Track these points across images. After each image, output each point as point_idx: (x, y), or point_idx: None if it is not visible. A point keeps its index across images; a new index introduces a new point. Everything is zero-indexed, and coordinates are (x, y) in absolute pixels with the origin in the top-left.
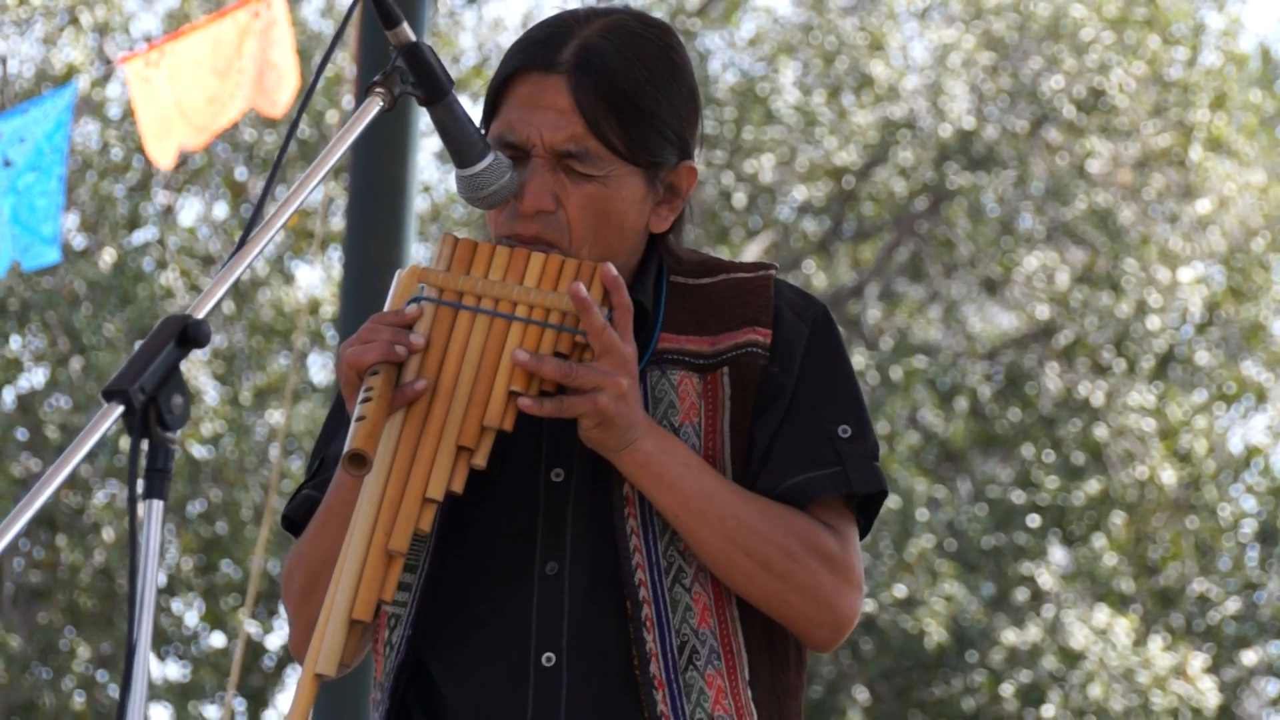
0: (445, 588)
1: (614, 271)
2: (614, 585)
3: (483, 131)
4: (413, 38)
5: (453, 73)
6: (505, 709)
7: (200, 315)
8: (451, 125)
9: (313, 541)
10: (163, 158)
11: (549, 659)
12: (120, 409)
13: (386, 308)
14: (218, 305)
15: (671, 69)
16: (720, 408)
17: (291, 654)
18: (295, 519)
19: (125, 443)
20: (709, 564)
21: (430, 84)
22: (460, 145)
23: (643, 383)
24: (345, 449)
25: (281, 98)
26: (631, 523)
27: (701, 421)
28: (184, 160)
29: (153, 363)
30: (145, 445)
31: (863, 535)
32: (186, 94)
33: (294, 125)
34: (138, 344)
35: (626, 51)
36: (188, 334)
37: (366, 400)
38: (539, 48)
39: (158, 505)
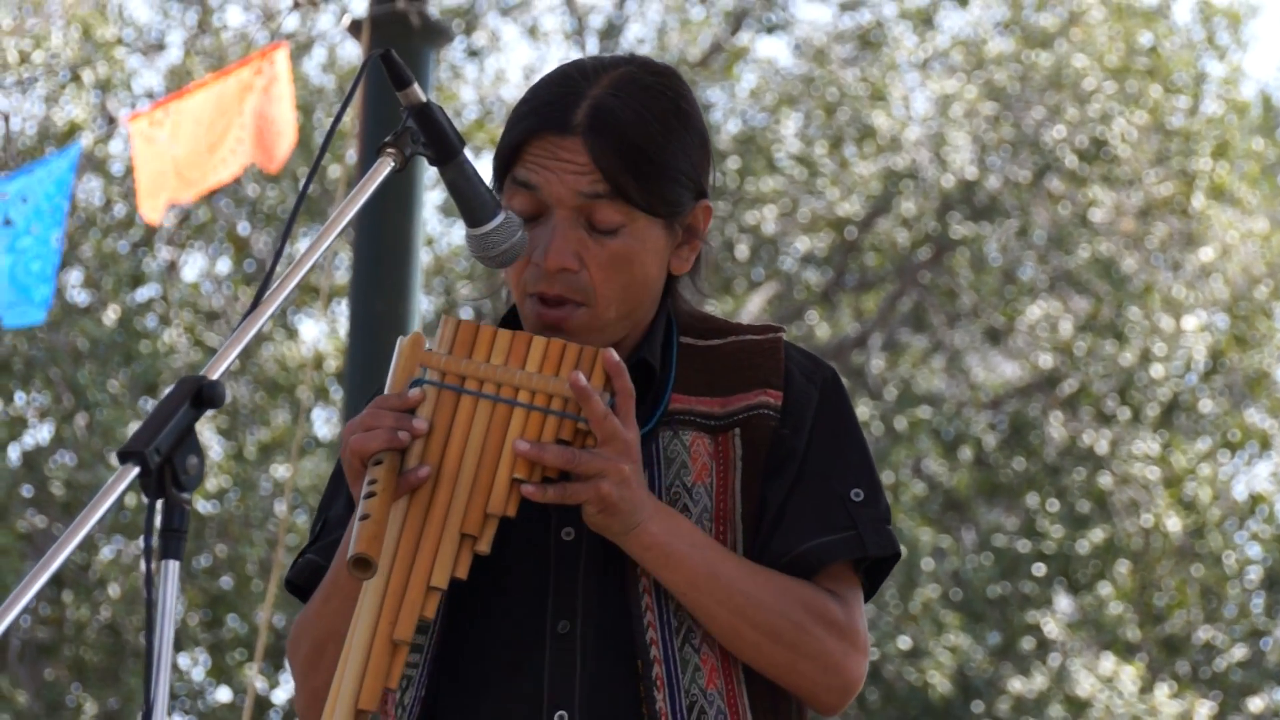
0: (457, 647)
1: (615, 356)
2: (624, 644)
3: (494, 185)
4: (423, 98)
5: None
6: None
7: (214, 376)
8: (463, 184)
9: (317, 614)
10: (152, 213)
11: (561, 717)
12: (136, 470)
13: (388, 381)
14: (229, 366)
15: (681, 117)
16: (732, 469)
17: (298, 716)
18: (299, 584)
19: (131, 499)
20: (718, 637)
21: (441, 144)
22: (471, 204)
23: (654, 443)
24: (350, 552)
25: (279, 153)
26: (644, 581)
27: (714, 482)
28: (186, 216)
29: (168, 424)
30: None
31: (868, 598)
32: (185, 150)
33: (306, 186)
34: (142, 400)
35: (638, 106)
36: (203, 395)
37: (370, 496)
38: (550, 110)
39: (173, 566)
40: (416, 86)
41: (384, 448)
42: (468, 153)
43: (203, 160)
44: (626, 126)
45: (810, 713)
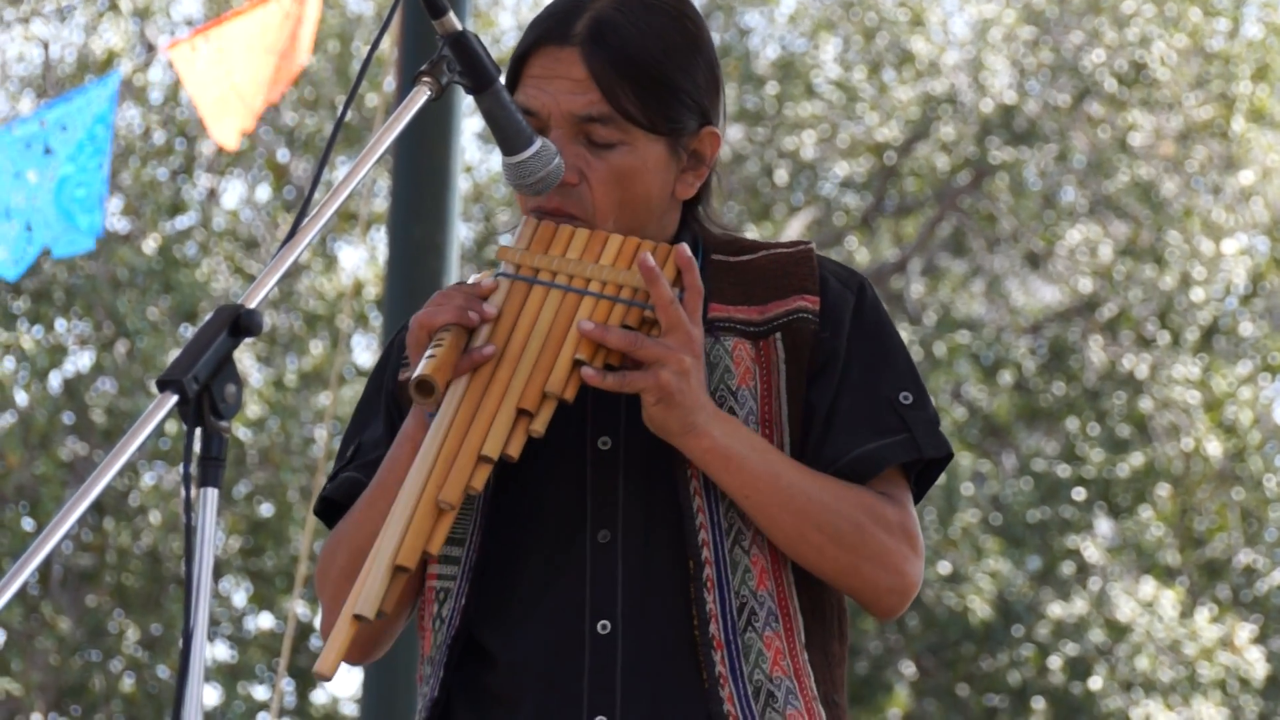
0: (495, 560)
1: (688, 252)
2: (672, 548)
3: None
4: (459, 26)
5: (492, 53)
6: (561, 677)
7: (252, 305)
8: (499, 113)
9: (361, 519)
10: (227, 139)
11: (604, 626)
12: (174, 399)
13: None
14: (268, 294)
15: (687, 38)
16: (775, 372)
17: (322, 637)
18: (337, 499)
19: (172, 426)
20: (779, 541)
21: (477, 73)
22: (507, 133)
23: None
24: (415, 374)
25: (298, 62)
26: (695, 484)
27: (758, 385)
28: None
29: (206, 352)
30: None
31: (916, 501)
32: (238, 77)
33: (343, 113)
34: (182, 327)
35: (640, 22)
36: (240, 323)
37: (438, 346)
38: (552, 22)
39: (212, 493)
40: (452, 15)
41: (452, 321)
42: (502, 78)
43: (258, 89)
44: (625, 40)
45: (850, 627)
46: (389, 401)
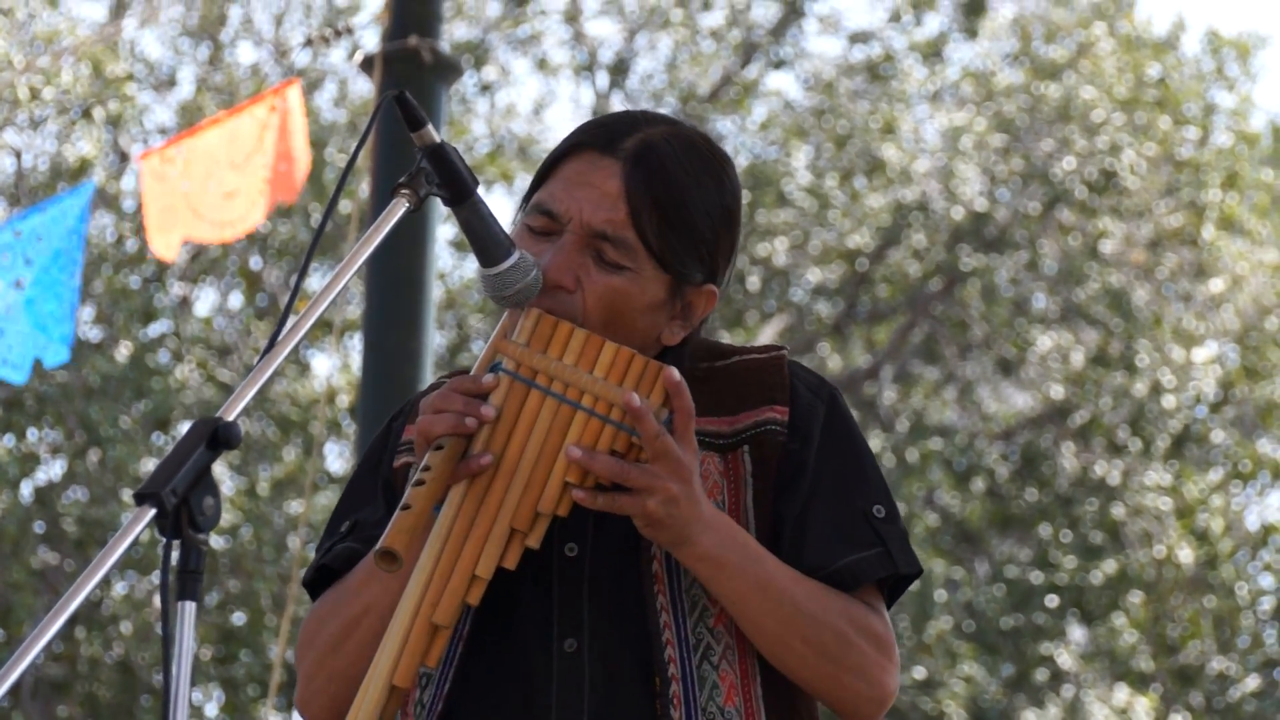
0: (476, 654)
1: (676, 375)
2: (638, 661)
3: (525, 199)
4: (437, 139)
5: (465, 160)
6: None
7: (230, 417)
8: (477, 224)
9: (357, 589)
10: (166, 250)
11: None
12: (153, 511)
13: (477, 361)
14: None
15: (719, 189)
16: (742, 486)
17: (298, 709)
18: (335, 569)
19: (145, 535)
20: (763, 647)
21: (456, 185)
22: (485, 244)
23: None
24: (382, 542)
25: (296, 182)
26: (661, 599)
27: (725, 500)
28: (198, 252)
29: (184, 465)
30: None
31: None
32: (200, 187)
33: (322, 225)
34: (155, 435)
35: (684, 159)
36: (219, 436)
37: (419, 484)
38: (602, 131)
39: (190, 607)
40: (430, 128)
41: (449, 432)
42: (479, 189)
43: (224, 201)
44: (668, 170)
45: None
46: (385, 487)
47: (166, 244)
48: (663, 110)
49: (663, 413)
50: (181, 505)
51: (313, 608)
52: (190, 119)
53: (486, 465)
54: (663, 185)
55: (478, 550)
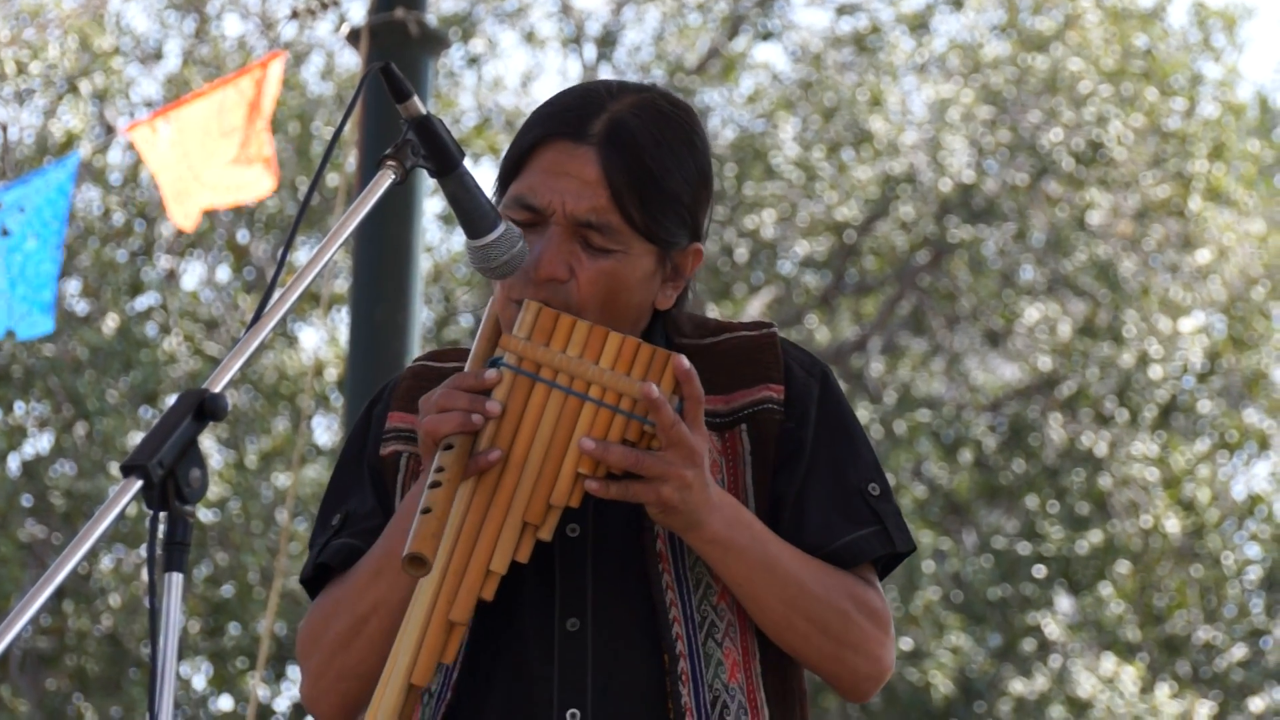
0: (481, 641)
1: (686, 364)
2: (644, 640)
3: (498, 190)
4: (423, 111)
5: (453, 133)
6: None
7: (217, 389)
8: (463, 196)
9: (364, 586)
10: (185, 220)
11: (574, 715)
12: (139, 484)
13: (470, 356)
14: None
15: (693, 151)
16: (741, 464)
17: (305, 706)
18: (333, 566)
19: (132, 508)
20: (766, 626)
21: (442, 157)
22: (471, 216)
23: None
24: (407, 548)
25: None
26: (667, 578)
27: (725, 479)
28: None
29: (170, 436)
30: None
31: None
32: (198, 158)
33: (308, 197)
34: (142, 409)
35: (655, 131)
36: (205, 408)
37: (435, 485)
38: (570, 116)
39: (177, 578)
40: (416, 99)
41: (456, 431)
42: (466, 161)
43: (227, 169)
44: (641, 147)
45: (815, 699)
46: (373, 476)
47: (185, 214)
48: (651, 82)
49: (673, 399)
50: (168, 477)
51: (314, 605)
52: (177, 92)
53: (495, 461)
54: (639, 163)
55: (491, 546)
